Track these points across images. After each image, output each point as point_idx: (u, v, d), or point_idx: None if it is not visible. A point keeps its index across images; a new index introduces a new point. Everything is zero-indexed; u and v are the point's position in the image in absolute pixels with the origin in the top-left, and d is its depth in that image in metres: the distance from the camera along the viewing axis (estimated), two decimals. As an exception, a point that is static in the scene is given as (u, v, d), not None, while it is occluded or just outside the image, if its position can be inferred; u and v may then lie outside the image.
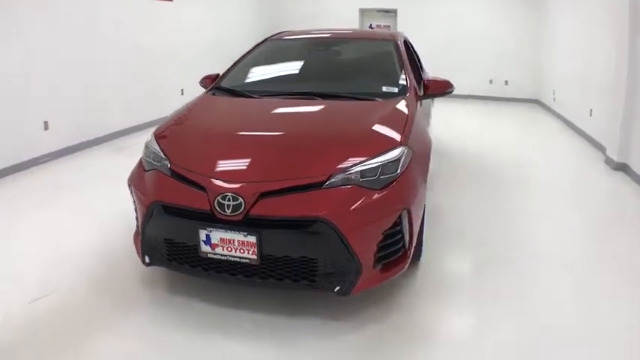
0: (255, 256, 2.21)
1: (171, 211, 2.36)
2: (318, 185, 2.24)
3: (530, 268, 3.00)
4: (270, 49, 3.86)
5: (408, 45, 4.25)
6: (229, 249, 2.24)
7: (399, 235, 2.36)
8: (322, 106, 2.95)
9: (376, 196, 2.26)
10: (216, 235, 2.24)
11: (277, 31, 4.34)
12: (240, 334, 2.32)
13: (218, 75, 3.61)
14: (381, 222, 2.26)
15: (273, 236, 2.20)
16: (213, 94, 3.32)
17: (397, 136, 2.51)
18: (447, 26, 10.07)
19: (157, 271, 2.77)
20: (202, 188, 2.30)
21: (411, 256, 2.49)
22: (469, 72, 10.01)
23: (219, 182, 2.27)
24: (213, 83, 3.50)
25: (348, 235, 2.16)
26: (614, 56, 5.05)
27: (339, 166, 2.29)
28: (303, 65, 3.66)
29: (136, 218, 2.58)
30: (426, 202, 3.95)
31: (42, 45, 5.08)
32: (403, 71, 3.33)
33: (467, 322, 2.49)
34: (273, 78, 3.62)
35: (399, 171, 2.36)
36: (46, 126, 5.20)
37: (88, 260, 3.00)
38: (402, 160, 2.40)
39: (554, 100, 8.23)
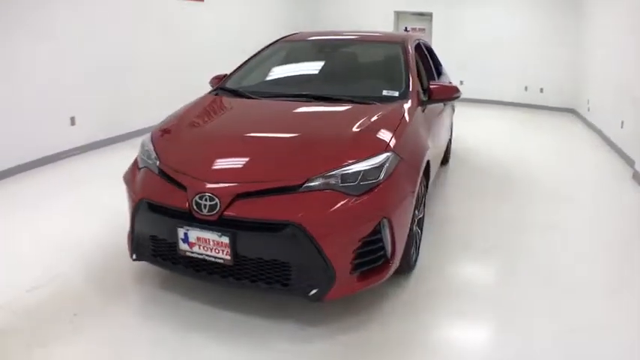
0: (228, 257, 2.22)
1: (156, 208, 2.41)
2: (294, 189, 2.21)
3: (533, 284, 2.86)
4: (279, 50, 3.87)
5: (422, 49, 4.16)
6: (205, 248, 2.26)
7: (379, 244, 2.30)
8: (316, 109, 2.93)
9: (353, 202, 2.21)
10: (194, 233, 2.26)
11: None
12: (217, 333, 2.33)
13: (226, 75, 3.66)
14: (358, 229, 2.21)
15: (246, 238, 2.20)
16: (216, 95, 3.36)
17: (384, 142, 2.45)
18: (483, 31, 9.83)
19: (151, 268, 2.82)
20: (184, 187, 2.33)
21: (394, 266, 2.43)
22: (504, 78, 9.74)
23: (198, 182, 2.29)
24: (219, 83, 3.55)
25: (321, 241, 2.13)
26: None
27: (318, 170, 2.26)
28: (308, 67, 3.66)
29: None
30: (437, 209, 3.94)
31: (72, 43, 5.31)
32: (407, 75, 3.25)
33: (447, 338, 2.39)
34: (275, 79, 3.63)
35: (381, 177, 2.31)
36: (72, 121, 5.43)
37: (89, 254, 3.10)
38: (385, 166, 2.34)
39: (588, 109, 7.85)
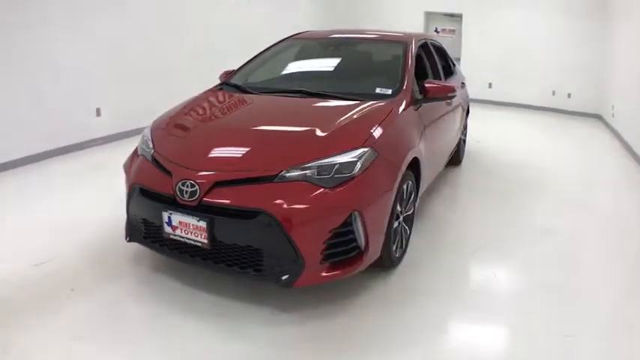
0: (206, 241, 2.35)
1: (146, 193, 2.57)
2: (269, 179, 2.32)
3: (511, 289, 2.86)
4: (286, 48, 3.99)
5: (429, 48, 4.17)
6: (186, 232, 2.40)
7: (350, 236, 2.37)
8: (305, 104, 3.03)
9: (324, 194, 2.30)
10: (176, 218, 2.41)
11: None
12: (194, 314, 2.47)
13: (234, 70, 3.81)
14: (328, 220, 2.29)
15: (222, 224, 2.33)
16: (220, 89, 3.51)
17: (362, 138, 2.53)
18: (512, 33, 9.65)
19: (147, 251, 2.96)
20: (170, 174, 2.48)
21: (368, 259, 2.49)
22: (532, 82, 9.55)
23: (181, 169, 2.44)
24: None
25: (291, 229, 2.23)
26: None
27: (294, 162, 2.36)
28: (309, 65, 3.77)
29: None
30: (438, 208, 3.96)
31: (102, 37, 5.61)
32: (403, 74, 3.29)
33: (414, 335, 2.39)
34: (277, 75, 3.74)
35: (355, 172, 2.38)
36: (98, 112, 5.74)
37: (94, 235, 3.30)
38: (360, 161, 2.41)
39: (612, 115, 7.59)
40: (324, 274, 2.37)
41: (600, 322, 2.53)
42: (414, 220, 3.58)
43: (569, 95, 9.20)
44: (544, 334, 2.39)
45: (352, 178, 2.37)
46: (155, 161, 2.64)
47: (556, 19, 9.15)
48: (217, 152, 2.54)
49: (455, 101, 4.49)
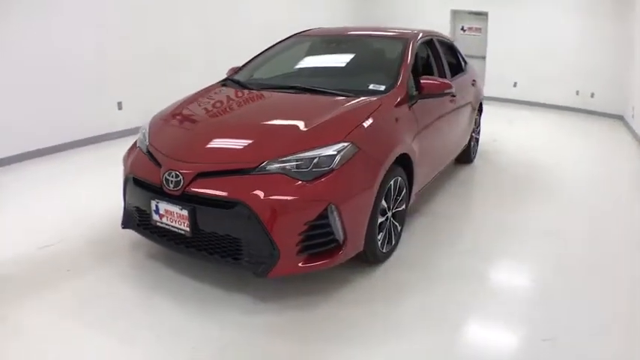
0: (188, 229, 2.46)
1: (139, 183, 2.70)
2: (249, 171, 2.40)
3: (498, 291, 2.85)
4: (291, 45, 4.06)
5: (435, 45, 4.15)
6: (171, 220, 2.51)
7: (327, 229, 2.42)
8: (296, 100, 3.09)
9: (300, 186, 2.36)
10: (162, 206, 2.53)
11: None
12: (177, 299, 2.59)
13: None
14: (303, 212, 2.35)
15: (203, 213, 2.42)
16: (223, 85, 3.61)
17: (343, 132, 2.57)
18: (537, 32, 9.43)
19: (145, 239, 3.09)
20: (160, 165, 2.60)
21: (346, 252, 2.54)
22: (556, 81, 9.34)
23: (168, 160, 2.56)
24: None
25: (266, 220, 2.30)
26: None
27: (274, 155, 2.43)
28: (310, 61, 3.83)
29: None
30: (440, 205, 3.96)
31: (124, 33, 5.85)
32: (398, 71, 3.30)
33: (389, 331, 2.39)
34: (278, 71, 3.81)
35: (333, 166, 2.43)
36: (119, 106, 5.98)
37: (99, 223, 3.46)
38: (339, 155, 2.46)
39: (632, 117, 7.31)
40: (300, 265, 2.43)
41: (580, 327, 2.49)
42: (410, 217, 3.62)
43: (592, 95, 8.92)
44: (524, 338, 2.38)
45: (331, 171, 2.42)
46: (149, 153, 2.76)
47: (581, 18, 8.89)
48: (202, 144, 2.64)
49: (462, 99, 4.45)
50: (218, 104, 3.17)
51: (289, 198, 2.33)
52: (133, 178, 2.74)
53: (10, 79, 4.82)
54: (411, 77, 3.36)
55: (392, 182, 2.87)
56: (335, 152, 2.46)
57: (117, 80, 5.90)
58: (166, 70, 6.45)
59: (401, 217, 3.16)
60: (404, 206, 3.16)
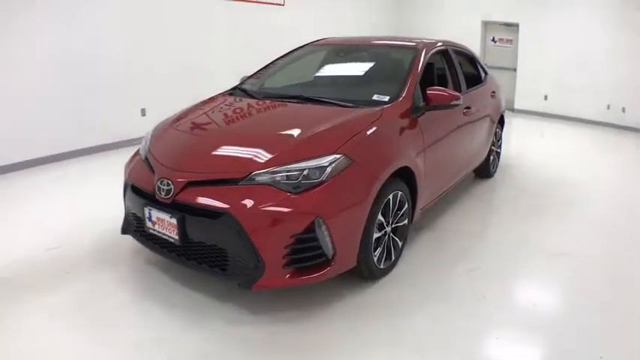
0: (177, 237, 2.46)
1: (136, 190, 2.74)
2: (237, 181, 2.39)
3: (494, 315, 2.71)
4: (302, 54, 4.06)
5: (450, 55, 4.05)
6: (162, 227, 2.53)
7: (314, 242, 2.37)
8: (297, 110, 3.07)
9: (287, 198, 2.32)
10: (154, 213, 2.55)
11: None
12: (168, 304, 2.61)
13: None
14: (289, 225, 2.31)
15: (192, 222, 2.42)
16: (230, 94, 3.64)
17: (336, 144, 2.52)
18: (568, 45, 9.16)
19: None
20: (154, 173, 2.62)
21: (336, 267, 2.48)
22: (586, 94, 9.05)
23: (162, 168, 2.58)
24: None
25: (250, 231, 2.27)
26: None
27: (262, 166, 2.41)
28: (319, 70, 3.80)
29: None
30: (451, 221, 3.85)
31: (149, 41, 6.02)
32: (404, 81, 3.23)
33: (374, 347, 2.32)
34: (286, 80, 3.80)
35: (323, 178, 2.38)
36: (143, 112, 6.14)
37: (104, 227, 3.51)
38: (330, 167, 2.41)
39: None
40: (287, 278, 2.38)
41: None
42: (417, 232, 3.53)
43: (623, 110, 8.52)
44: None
45: (320, 184, 2.38)
46: (146, 160, 2.79)
47: (613, 32, 8.57)
48: (194, 153, 2.66)
49: (479, 111, 4.33)
50: (218, 113, 3.18)
51: (274, 209, 2.30)
52: (131, 185, 2.77)
53: (36, 84, 5.04)
54: (418, 88, 3.27)
55: (390, 196, 2.80)
56: (326, 164, 2.41)
57: (142, 87, 6.07)
58: (191, 79, 6.57)
59: (402, 233, 3.07)
60: (406, 221, 3.07)
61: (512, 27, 10.06)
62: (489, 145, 4.86)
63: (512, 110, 10.21)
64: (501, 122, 5.31)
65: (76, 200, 4.17)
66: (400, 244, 3.07)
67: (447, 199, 4.32)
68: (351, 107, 3.00)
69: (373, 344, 2.35)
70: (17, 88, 4.91)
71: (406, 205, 3.02)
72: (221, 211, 2.32)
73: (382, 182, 2.65)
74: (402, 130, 2.98)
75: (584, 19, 8.89)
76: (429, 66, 3.79)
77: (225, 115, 3.15)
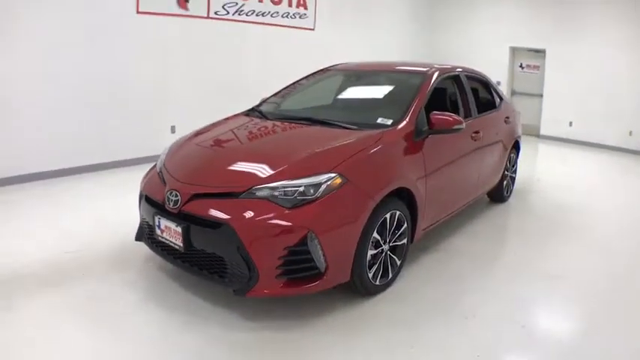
0: (181, 244, 2.65)
1: (148, 200, 2.96)
2: (237, 195, 2.57)
3: (484, 336, 2.76)
4: (317, 78, 4.26)
5: (461, 80, 4.15)
6: (169, 235, 2.73)
7: (307, 255, 2.51)
8: (302, 131, 3.24)
9: (281, 212, 2.48)
10: (163, 222, 2.75)
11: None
12: (170, 307, 2.79)
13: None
14: (282, 237, 2.46)
15: (195, 231, 2.61)
16: (246, 115, 3.86)
17: (333, 163, 2.67)
18: (592, 71, 9.21)
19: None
20: (164, 184, 2.84)
21: (328, 280, 2.61)
22: (610, 121, 9.03)
23: (172, 181, 2.80)
24: None
25: (246, 242, 2.44)
26: None
27: (261, 182, 2.59)
28: (331, 94, 3.99)
29: None
30: (455, 243, 3.95)
31: (180, 62, 6.39)
32: (409, 106, 3.35)
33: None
34: (297, 103, 3.98)
35: (317, 195, 2.53)
36: (172, 129, 6.47)
37: (122, 235, 3.72)
38: (324, 185, 2.56)
39: None
40: (280, 287, 2.53)
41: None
42: (421, 252, 3.66)
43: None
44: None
45: (314, 200, 2.53)
46: (160, 173, 3.02)
47: (636, 58, 8.50)
48: (202, 168, 2.88)
49: (489, 136, 4.38)
50: (230, 133, 3.40)
51: (269, 222, 2.46)
52: (145, 195, 3.00)
53: (73, 99, 5.45)
54: (423, 112, 3.38)
55: (388, 215, 2.91)
56: (321, 182, 2.57)
57: (173, 105, 6.44)
58: (221, 98, 6.82)
59: (401, 252, 3.16)
60: (405, 241, 3.17)
61: (540, 53, 10.06)
62: (502, 170, 4.90)
63: (538, 136, 10.14)
64: (516, 148, 5.34)
65: (99, 209, 4.46)
66: (399, 262, 3.16)
67: (457, 221, 4.39)
68: (355, 129, 3.15)
69: (361, 356, 2.44)
70: (59, 105, 5.33)
71: (405, 225, 3.12)
72: (221, 221, 2.50)
73: (377, 201, 2.77)
74: (401, 152, 3.10)
75: (609, 45, 8.89)
76: (439, 91, 3.93)
77: (236, 134, 3.36)
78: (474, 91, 4.46)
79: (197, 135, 3.44)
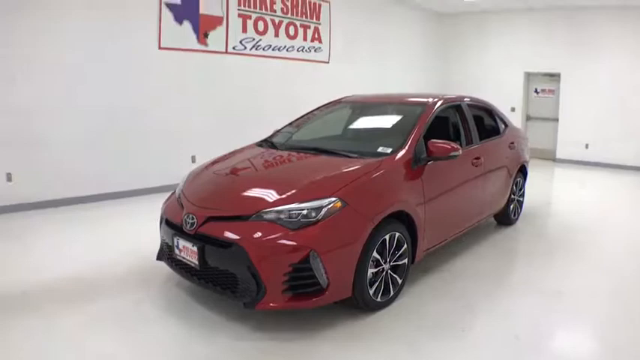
0: (197, 262, 2.94)
1: (168, 223, 3.27)
2: (247, 217, 2.85)
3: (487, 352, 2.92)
4: (326, 110, 4.57)
5: (463, 110, 4.37)
6: (186, 254, 3.02)
7: (310, 272, 2.76)
8: (309, 160, 3.53)
9: (287, 233, 2.75)
10: (181, 242, 3.05)
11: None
12: (186, 319, 3.07)
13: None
14: (287, 255, 2.72)
15: (210, 250, 2.90)
16: (259, 145, 4.17)
17: (333, 189, 2.93)
18: (609, 93, 9.38)
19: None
20: (183, 208, 3.15)
21: (330, 296, 2.84)
22: (625, 140, 9.18)
23: (189, 205, 3.11)
24: None
25: (255, 260, 2.71)
26: None
27: (268, 206, 2.87)
28: (338, 125, 4.28)
29: None
30: (459, 263, 4.12)
31: (202, 95, 6.85)
32: (408, 135, 3.59)
33: None
34: (306, 134, 4.27)
35: (318, 217, 2.80)
36: (193, 159, 6.86)
37: (144, 256, 4.03)
38: (325, 208, 2.82)
39: None
40: (285, 302, 2.78)
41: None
42: (425, 273, 3.85)
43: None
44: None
45: (316, 222, 2.79)
46: (179, 198, 3.34)
47: None
48: (216, 194, 3.20)
49: (492, 162, 4.56)
50: (242, 161, 3.72)
51: (275, 242, 2.73)
52: (166, 218, 3.32)
53: (98, 131, 5.93)
54: (422, 141, 3.61)
55: (387, 236, 3.14)
56: (322, 206, 2.83)
57: (193, 135, 6.86)
58: (240, 128, 7.19)
59: (402, 271, 3.36)
60: (405, 261, 3.37)
61: (554, 77, 10.21)
62: (507, 194, 5.05)
63: (554, 160, 10.20)
64: (523, 172, 5.50)
65: (123, 233, 4.83)
66: (400, 281, 3.36)
67: (463, 243, 4.57)
68: (357, 158, 3.42)
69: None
70: (85, 136, 5.83)
71: (405, 246, 3.33)
72: (233, 241, 2.78)
73: (375, 224, 3.01)
74: (399, 178, 3.34)
75: (623, 64, 9.04)
76: (441, 119, 4.17)
77: (248, 163, 3.68)
78: (477, 118, 4.69)
79: (212, 164, 3.76)
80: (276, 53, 7.72)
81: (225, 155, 3.97)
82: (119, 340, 2.84)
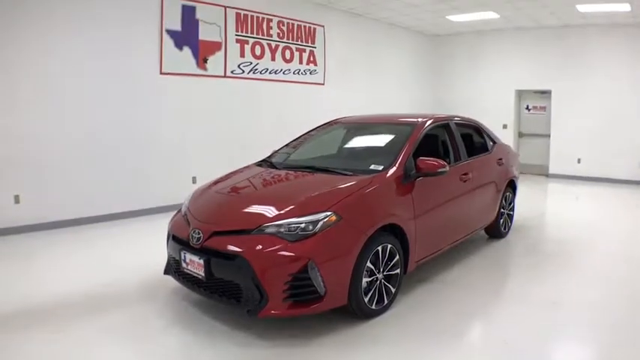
0: (203, 274, 3.15)
1: (175, 238, 3.50)
2: (249, 232, 3.08)
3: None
4: (321, 131, 4.83)
5: (451, 128, 4.62)
6: (193, 267, 3.23)
7: (309, 281, 2.97)
8: (306, 178, 3.76)
9: (286, 245, 2.97)
10: (188, 256, 3.27)
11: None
12: (190, 329, 3.24)
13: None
14: (287, 266, 2.93)
15: (215, 263, 3.11)
16: (258, 165, 4.42)
17: (327, 204, 3.17)
18: (600, 108, 9.66)
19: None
20: (189, 224, 3.38)
21: (328, 303, 3.04)
22: (619, 155, 9.36)
23: (195, 221, 3.33)
24: None
25: (257, 270, 2.92)
26: None
27: (268, 220, 3.10)
28: (332, 144, 4.53)
29: None
30: (450, 275, 4.33)
31: (201, 118, 7.13)
32: (398, 153, 3.83)
33: None
34: (303, 153, 4.51)
35: (315, 230, 3.02)
36: (193, 180, 7.09)
37: (152, 271, 4.21)
38: (321, 222, 3.05)
39: None
40: (286, 309, 2.99)
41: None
42: (419, 283, 4.04)
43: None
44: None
45: (313, 234, 3.02)
46: (185, 215, 3.57)
47: None
48: (220, 210, 3.43)
49: (480, 178, 4.78)
50: (243, 180, 3.95)
51: (276, 253, 2.95)
52: (172, 234, 3.54)
53: (103, 154, 6.20)
54: (411, 158, 3.85)
55: (380, 248, 3.36)
56: (318, 219, 3.06)
57: (193, 157, 7.11)
58: (238, 150, 7.44)
59: (395, 280, 3.57)
60: (398, 271, 3.58)
61: (545, 94, 10.52)
62: (497, 208, 5.26)
63: (547, 175, 10.45)
64: (512, 187, 5.73)
65: (130, 250, 5.05)
66: (393, 290, 3.56)
67: (454, 255, 4.78)
68: (351, 175, 3.66)
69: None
70: (92, 161, 6.10)
71: (397, 257, 3.55)
72: (236, 254, 3.00)
73: (368, 236, 3.23)
74: (390, 193, 3.57)
75: (614, 80, 9.32)
76: (430, 137, 4.43)
77: (249, 182, 3.91)
78: (466, 136, 4.94)
79: (216, 183, 4.00)
80: (273, 76, 8.04)
81: (226, 175, 4.20)
82: (128, 350, 3.01)
